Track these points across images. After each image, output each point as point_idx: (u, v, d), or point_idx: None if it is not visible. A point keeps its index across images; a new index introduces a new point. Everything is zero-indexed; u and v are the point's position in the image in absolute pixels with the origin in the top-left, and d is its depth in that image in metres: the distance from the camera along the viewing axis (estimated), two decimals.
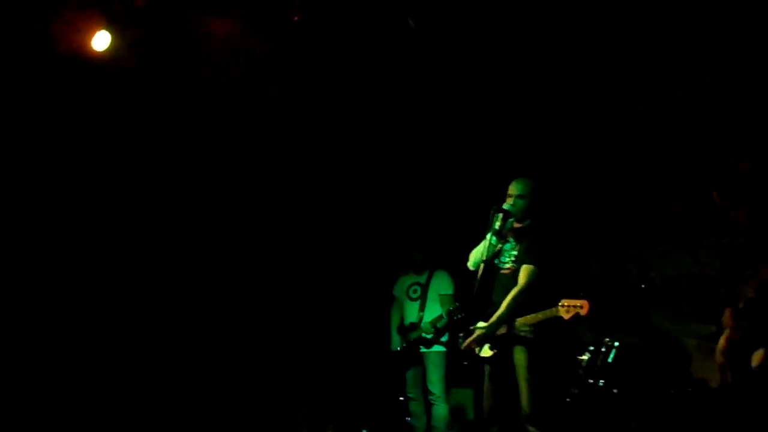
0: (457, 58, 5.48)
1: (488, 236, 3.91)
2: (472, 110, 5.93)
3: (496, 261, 3.93)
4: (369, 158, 6.25)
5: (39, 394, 4.79)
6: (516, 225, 3.94)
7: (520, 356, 3.73)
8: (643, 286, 4.89)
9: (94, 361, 5.13)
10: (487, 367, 3.92)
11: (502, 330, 3.80)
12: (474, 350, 3.87)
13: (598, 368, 4.58)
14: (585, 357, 4.69)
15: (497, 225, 3.88)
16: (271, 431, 5.74)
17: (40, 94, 4.71)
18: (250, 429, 5.65)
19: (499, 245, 3.96)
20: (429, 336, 5.49)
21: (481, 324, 3.87)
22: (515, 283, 3.80)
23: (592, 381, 4.49)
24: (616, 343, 4.64)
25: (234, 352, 5.80)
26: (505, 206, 3.88)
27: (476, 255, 4.01)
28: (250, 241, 6.05)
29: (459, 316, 5.39)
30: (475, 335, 3.82)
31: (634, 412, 4.35)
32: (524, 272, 3.76)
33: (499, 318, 3.76)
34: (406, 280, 5.78)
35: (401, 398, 5.76)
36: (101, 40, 4.67)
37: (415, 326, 5.58)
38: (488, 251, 3.87)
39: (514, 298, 3.74)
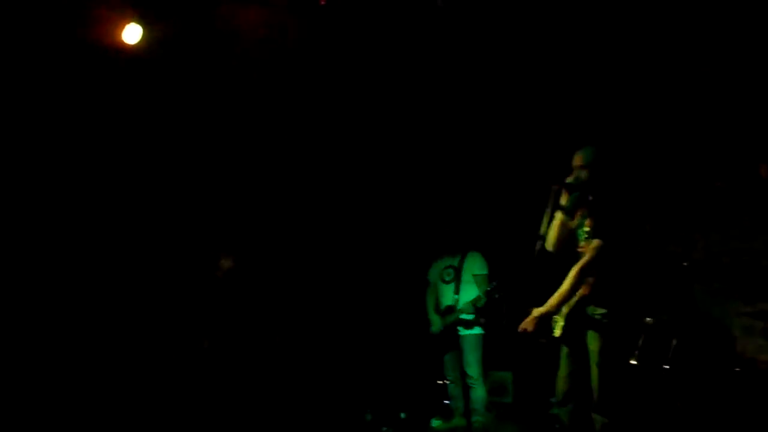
0: (498, 33, 5.36)
1: (556, 214, 3.70)
2: (510, 88, 5.83)
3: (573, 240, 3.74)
4: (401, 143, 6.21)
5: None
6: (587, 199, 3.70)
7: (593, 342, 3.56)
8: (685, 264, 4.78)
9: (108, 361, 5.14)
10: (564, 349, 3.71)
11: (565, 310, 3.62)
12: (539, 329, 3.61)
13: (640, 348, 4.51)
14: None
15: (563, 201, 3.68)
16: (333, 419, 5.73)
17: (71, 87, 4.74)
18: (311, 417, 5.64)
19: (572, 222, 3.74)
20: (470, 317, 5.47)
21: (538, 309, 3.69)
22: None
23: (635, 362, 4.43)
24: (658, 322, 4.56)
25: (276, 343, 5.82)
26: (568, 180, 3.67)
27: (551, 236, 3.76)
28: (291, 227, 6.06)
29: (497, 295, 5.36)
30: (532, 315, 3.61)
31: (681, 392, 4.30)
32: (590, 247, 3.57)
33: (560, 295, 3.56)
34: (440, 264, 5.78)
35: (439, 381, 5.77)
36: (132, 33, 4.68)
37: (451, 309, 5.57)
38: (560, 230, 3.70)
39: (575, 274, 3.55)
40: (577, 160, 3.71)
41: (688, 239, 5.17)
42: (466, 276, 5.62)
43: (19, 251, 4.78)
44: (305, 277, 6.08)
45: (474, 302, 5.45)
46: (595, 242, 3.57)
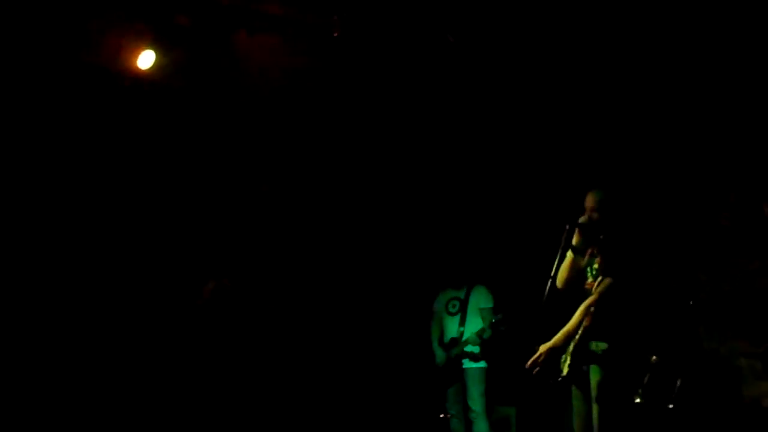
0: (504, 66, 5.40)
1: (567, 253, 3.73)
2: (512, 123, 5.86)
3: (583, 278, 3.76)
4: (408, 172, 6.24)
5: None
6: (598, 238, 3.73)
7: (594, 377, 3.55)
8: (691, 302, 4.75)
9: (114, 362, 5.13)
10: (574, 389, 3.69)
11: (571, 347, 3.59)
12: (546, 367, 3.60)
13: (645, 387, 4.46)
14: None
15: (575, 241, 3.71)
16: None
17: (84, 111, 4.81)
18: None
19: (582, 261, 3.77)
20: (476, 349, 5.43)
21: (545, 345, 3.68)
22: None
23: (638, 400, 4.38)
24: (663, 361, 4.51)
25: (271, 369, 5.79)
26: (581, 220, 3.70)
27: (561, 274, 3.78)
28: (290, 253, 6.07)
29: (503, 327, 5.34)
30: (538, 352, 3.60)
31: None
32: (601, 285, 3.58)
33: (566, 331, 3.57)
34: (445, 295, 5.76)
35: (442, 415, 5.71)
36: (146, 59, 4.77)
37: (455, 342, 5.54)
38: (571, 269, 3.73)
39: (582, 311, 3.55)
40: (590, 200, 3.75)
41: (694, 279, 5.13)
42: (472, 308, 5.60)
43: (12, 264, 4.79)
44: (307, 304, 6.07)
45: (479, 334, 5.42)
46: (606, 281, 3.59)
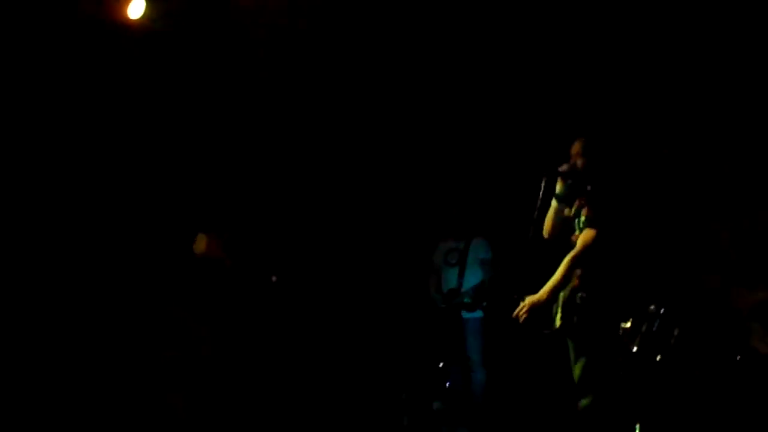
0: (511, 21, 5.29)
1: (552, 202, 3.68)
2: (512, 78, 5.77)
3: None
4: (407, 125, 6.16)
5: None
6: (584, 188, 3.63)
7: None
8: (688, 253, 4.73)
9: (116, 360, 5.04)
10: (568, 341, 3.69)
11: (561, 300, 3.58)
12: (536, 319, 3.60)
13: (642, 336, 4.47)
14: (627, 324, 4.58)
15: (558, 189, 3.64)
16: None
17: (72, 63, 4.71)
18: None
19: (569, 211, 3.71)
20: (470, 300, 5.47)
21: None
22: None
23: (636, 349, 4.39)
24: (661, 310, 4.51)
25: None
26: (562, 168, 3.63)
27: (546, 223, 3.76)
28: (290, 211, 6.03)
29: (499, 279, 5.40)
30: (524, 304, 3.59)
31: (681, 382, 4.26)
32: (582, 236, 3.54)
33: (552, 284, 3.54)
34: (444, 246, 5.75)
35: (441, 364, 5.77)
36: (136, 8, 4.65)
37: (455, 292, 5.56)
38: (555, 218, 3.67)
39: (566, 264, 3.52)
40: (575, 148, 3.69)
41: (699, 228, 5.10)
42: (471, 259, 5.59)
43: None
44: (305, 260, 6.06)
45: (476, 288, 5.43)
46: (589, 232, 3.53)
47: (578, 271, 3.55)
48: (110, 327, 4.98)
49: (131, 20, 4.64)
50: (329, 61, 5.57)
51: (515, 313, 3.61)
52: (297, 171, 6.00)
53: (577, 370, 3.55)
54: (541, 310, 3.57)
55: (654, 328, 4.37)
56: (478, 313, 5.55)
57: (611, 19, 5.12)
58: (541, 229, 3.74)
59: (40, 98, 4.69)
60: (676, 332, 4.40)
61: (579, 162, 3.64)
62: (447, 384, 5.68)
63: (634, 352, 4.29)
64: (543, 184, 3.59)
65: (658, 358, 4.16)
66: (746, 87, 4.84)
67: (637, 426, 3.66)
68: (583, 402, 3.51)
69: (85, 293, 4.99)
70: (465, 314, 5.55)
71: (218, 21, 5.10)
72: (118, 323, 4.99)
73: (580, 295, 3.53)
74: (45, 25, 4.54)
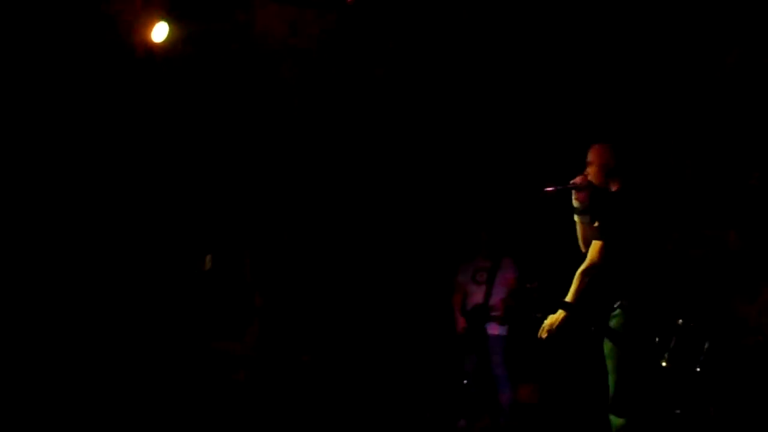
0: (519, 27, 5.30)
1: (575, 218, 3.66)
2: (540, 86, 5.76)
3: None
4: (432, 141, 6.17)
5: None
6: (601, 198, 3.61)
7: (605, 345, 3.47)
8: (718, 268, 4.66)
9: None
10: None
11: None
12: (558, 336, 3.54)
13: (671, 350, 4.39)
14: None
15: (574, 203, 3.62)
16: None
17: (98, 85, 4.79)
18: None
19: (592, 222, 3.63)
20: (498, 314, 5.47)
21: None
22: None
23: (664, 364, 4.32)
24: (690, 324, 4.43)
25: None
26: (572, 181, 3.59)
27: (579, 239, 3.71)
28: (313, 228, 6.05)
29: (528, 295, 5.35)
30: (546, 323, 3.54)
31: (711, 396, 4.17)
32: (592, 248, 3.48)
33: (568, 300, 3.47)
34: (471, 265, 5.75)
35: (465, 381, 5.73)
36: (160, 31, 4.74)
37: (481, 309, 5.54)
38: (585, 231, 3.61)
39: (577, 278, 3.46)
40: (588, 156, 3.63)
41: (718, 240, 5.04)
42: (499, 278, 5.59)
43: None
44: (330, 278, 6.06)
45: (504, 302, 5.44)
46: (596, 243, 3.47)
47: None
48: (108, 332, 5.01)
49: (155, 43, 4.72)
50: (340, 77, 5.61)
51: (539, 333, 3.57)
52: (319, 186, 6.02)
53: (611, 386, 3.45)
54: (563, 328, 3.50)
55: (683, 342, 4.32)
56: (503, 330, 5.50)
57: (622, 27, 5.11)
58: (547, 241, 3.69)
59: (65, 118, 4.78)
60: (706, 346, 4.34)
61: (591, 171, 3.59)
62: (470, 402, 5.64)
63: (665, 367, 4.22)
64: (555, 198, 3.59)
65: (692, 371, 4.08)
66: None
67: None
68: (617, 422, 3.40)
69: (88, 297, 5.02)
70: (490, 331, 5.50)
71: (240, 45, 5.16)
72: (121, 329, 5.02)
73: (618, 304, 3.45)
74: (70, 45, 4.62)
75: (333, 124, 5.85)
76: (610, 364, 3.45)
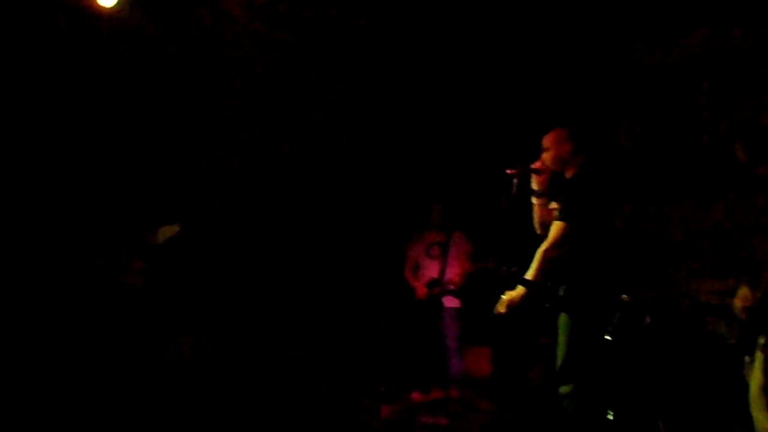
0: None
1: (533, 199, 3.80)
2: (491, 66, 5.79)
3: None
4: (387, 117, 6.16)
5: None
6: (562, 179, 3.75)
7: (560, 317, 3.62)
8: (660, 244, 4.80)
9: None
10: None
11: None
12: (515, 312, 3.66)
13: (615, 325, 4.51)
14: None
15: (534, 185, 3.76)
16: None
17: (42, 51, 4.63)
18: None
19: (552, 204, 3.78)
20: (454, 287, 5.56)
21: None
22: None
23: (608, 338, 4.43)
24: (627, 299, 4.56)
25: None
26: (532, 165, 3.74)
27: (534, 219, 3.87)
28: (264, 219, 6.01)
29: (483, 266, 5.44)
30: (503, 300, 3.65)
31: (649, 370, 4.31)
32: (552, 228, 3.60)
33: (528, 278, 3.59)
34: (424, 239, 5.79)
35: (419, 354, 5.81)
36: None
37: (436, 282, 5.60)
38: (541, 213, 3.77)
39: (538, 257, 3.58)
40: (544, 142, 3.75)
41: (666, 218, 5.18)
42: (453, 252, 5.66)
43: None
44: (281, 252, 6.05)
45: (461, 277, 5.55)
46: (558, 224, 3.58)
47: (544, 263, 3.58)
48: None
49: (104, 8, 4.58)
50: (300, 61, 5.55)
51: (495, 309, 3.66)
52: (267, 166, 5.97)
53: (559, 358, 3.61)
54: (521, 305, 3.61)
55: (626, 317, 4.45)
56: (456, 302, 5.58)
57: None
58: (513, 224, 3.78)
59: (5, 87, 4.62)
60: (647, 320, 4.48)
61: (547, 156, 3.71)
62: (425, 374, 5.72)
63: (609, 340, 4.34)
64: (515, 181, 3.67)
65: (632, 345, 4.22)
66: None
67: (611, 412, 3.70)
68: (564, 389, 3.57)
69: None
70: (444, 304, 5.57)
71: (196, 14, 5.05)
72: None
73: (563, 287, 3.58)
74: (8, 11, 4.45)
75: (289, 97, 5.80)
76: (562, 336, 3.59)
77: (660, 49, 5.26)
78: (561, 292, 3.59)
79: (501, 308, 3.64)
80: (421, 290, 5.67)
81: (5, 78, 4.57)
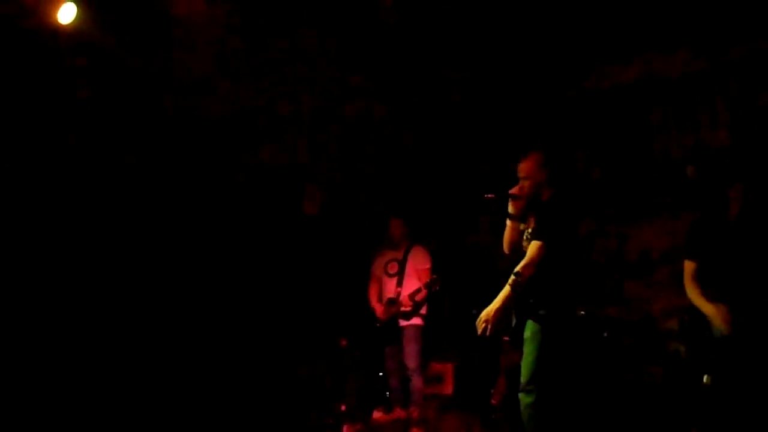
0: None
1: (507, 221, 3.94)
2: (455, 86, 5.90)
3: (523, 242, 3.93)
4: (349, 132, 6.19)
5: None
6: (534, 205, 3.91)
7: (527, 331, 3.73)
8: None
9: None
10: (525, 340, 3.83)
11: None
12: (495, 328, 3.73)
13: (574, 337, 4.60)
14: None
15: (510, 209, 3.91)
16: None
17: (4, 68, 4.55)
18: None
19: (523, 225, 3.94)
20: (408, 309, 5.50)
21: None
22: None
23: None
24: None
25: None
26: (512, 191, 3.89)
27: (504, 239, 4.01)
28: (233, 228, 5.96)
29: (437, 288, 5.45)
30: (480, 318, 3.72)
31: (606, 385, 4.42)
32: (531, 247, 3.75)
33: (504, 294, 3.71)
34: (384, 257, 5.79)
35: (380, 373, 5.79)
36: (67, 12, 4.54)
37: (393, 302, 5.60)
38: (512, 234, 3.92)
39: (518, 271, 3.68)
40: (521, 170, 3.90)
41: (622, 235, 5.34)
42: (410, 269, 5.66)
43: None
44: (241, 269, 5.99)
45: (412, 295, 5.52)
46: (537, 243, 3.73)
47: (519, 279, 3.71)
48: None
49: (62, 25, 4.52)
50: (258, 73, 5.56)
51: (477, 327, 3.74)
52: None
53: (524, 368, 3.70)
54: (500, 319, 3.70)
55: (584, 332, 4.57)
56: (416, 321, 5.57)
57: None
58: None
59: None
60: (605, 335, 4.61)
61: (527, 184, 3.87)
62: (386, 393, 5.71)
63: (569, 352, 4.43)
64: (493, 205, 3.89)
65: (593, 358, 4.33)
66: None
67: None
68: (526, 400, 3.65)
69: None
70: (402, 322, 5.57)
71: (154, 28, 5.01)
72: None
73: (531, 301, 3.72)
74: None
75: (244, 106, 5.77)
76: (529, 348, 3.69)
77: (610, 73, 5.45)
78: (541, 311, 3.70)
79: (480, 325, 3.71)
80: (379, 310, 5.66)
81: None
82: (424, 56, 5.65)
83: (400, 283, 5.64)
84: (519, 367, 3.73)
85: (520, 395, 3.67)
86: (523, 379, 3.67)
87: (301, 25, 5.36)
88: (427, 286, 5.48)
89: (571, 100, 5.72)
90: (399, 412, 5.55)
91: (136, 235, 5.39)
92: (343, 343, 5.99)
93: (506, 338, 3.95)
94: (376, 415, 5.63)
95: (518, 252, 3.87)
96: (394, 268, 5.71)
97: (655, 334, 4.69)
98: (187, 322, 5.49)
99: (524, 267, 3.69)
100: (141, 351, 5.17)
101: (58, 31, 4.52)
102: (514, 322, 3.83)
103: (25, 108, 4.74)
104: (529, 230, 3.86)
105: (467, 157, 6.25)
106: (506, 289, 3.70)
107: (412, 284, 5.61)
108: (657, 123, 5.25)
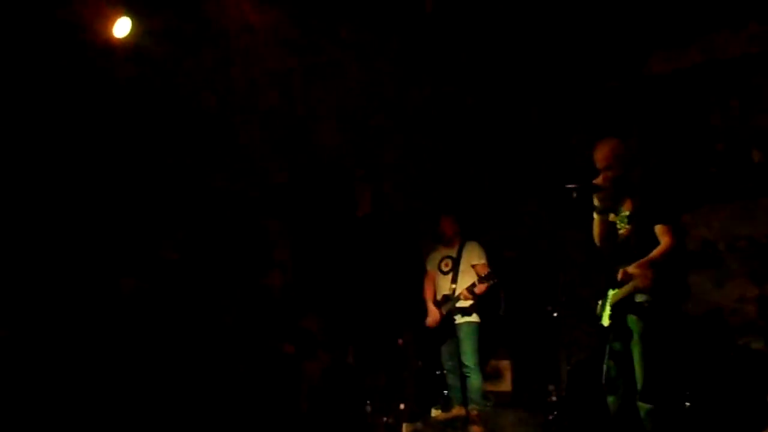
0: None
1: (594, 215, 3.74)
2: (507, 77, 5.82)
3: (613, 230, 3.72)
4: (394, 129, 6.19)
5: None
6: (626, 191, 3.69)
7: (633, 326, 3.50)
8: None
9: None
10: (611, 336, 3.63)
11: (614, 298, 3.57)
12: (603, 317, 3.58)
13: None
14: None
15: (596, 203, 3.69)
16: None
17: (60, 82, 4.69)
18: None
19: (613, 216, 3.73)
20: (467, 304, 5.46)
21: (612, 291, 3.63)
22: (636, 243, 3.52)
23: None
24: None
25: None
26: (596, 182, 3.67)
27: (594, 234, 3.80)
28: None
29: (495, 280, 5.38)
30: (610, 299, 3.57)
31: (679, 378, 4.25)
32: (662, 234, 3.46)
33: (650, 260, 3.43)
34: (437, 254, 5.77)
35: (438, 372, 5.77)
36: (122, 27, 4.66)
37: (448, 298, 5.57)
38: (602, 227, 3.71)
39: (658, 259, 3.42)
40: (599, 160, 3.69)
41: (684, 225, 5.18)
42: (464, 266, 5.61)
43: None
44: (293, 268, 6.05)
45: (469, 289, 5.44)
46: (663, 228, 3.48)
47: (647, 273, 3.46)
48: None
49: (117, 39, 4.65)
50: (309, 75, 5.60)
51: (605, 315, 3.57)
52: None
53: (638, 374, 3.46)
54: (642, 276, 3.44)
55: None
56: (473, 318, 5.53)
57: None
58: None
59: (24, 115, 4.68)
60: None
61: (610, 173, 3.66)
62: (444, 391, 5.68)
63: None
64: (574, 196, 3.62)
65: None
66: None
67: None
68: (645, 407, 3.44)
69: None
70: (459, 319, 5.53)
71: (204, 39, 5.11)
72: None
73: (645, 298, 3.47)
74: (29, 41, 4.52)
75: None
76: (638, 349, 3.46)
77: (669, 57, 5.29)
78: (640, 300, 3.46)
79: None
80: (432, 313, 5.63)
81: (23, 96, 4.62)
82: (480, 50, 5.57)
83: (454, 280, 5.60)
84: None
85: (639, 403, 3.44)
86: (639, 385, 3.44)
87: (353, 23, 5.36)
88: (485, 278, 5.42)
89: (624, 87, 5.55)
90: (457, 410, 5.53)
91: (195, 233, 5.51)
92: (401, 342, 5.98)
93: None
94: (435, 413, 5.62)
95: (612, 242, 3.66)
96: (448, 266, 5.68)
97: (722, 328, 4.50)
98: (234, 321, 5.57)
99: (661, 255, 3.41)
100: (162, 352, 5.24)
101: (112, 43, 4.64)
102: (599, 308, 3.65)
103: (75, 118, 4.89)
104: (625, 214, 3.64)
105: (524, 151, 6.13)
106: (652, 261, 3.41)
107: (466, 281, 5.56)
108: (719, 106, 5.05)
